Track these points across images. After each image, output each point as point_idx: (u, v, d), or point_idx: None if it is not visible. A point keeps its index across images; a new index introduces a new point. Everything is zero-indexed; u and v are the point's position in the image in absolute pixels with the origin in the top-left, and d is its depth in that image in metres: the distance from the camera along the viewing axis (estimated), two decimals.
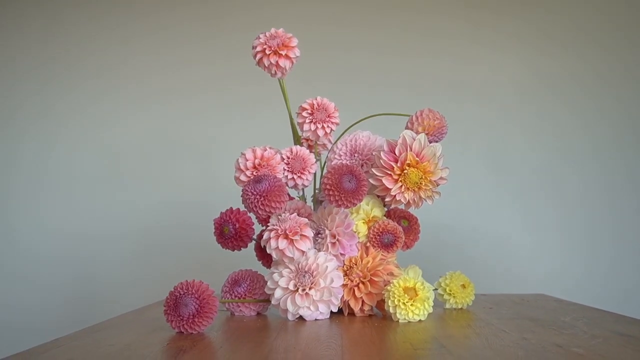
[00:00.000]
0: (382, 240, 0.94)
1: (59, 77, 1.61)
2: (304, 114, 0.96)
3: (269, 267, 0.97)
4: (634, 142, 1.56)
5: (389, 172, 0.90)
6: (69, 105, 1.61)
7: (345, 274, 0.92)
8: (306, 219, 0.88)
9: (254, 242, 0.98)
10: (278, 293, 0.88)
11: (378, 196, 0.96)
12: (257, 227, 0.97)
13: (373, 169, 0.92)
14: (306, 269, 0.88)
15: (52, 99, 1.61)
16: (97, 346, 0.71)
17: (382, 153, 0.91)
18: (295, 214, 0.89)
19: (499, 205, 1.55)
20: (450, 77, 1.57)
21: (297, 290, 0.88)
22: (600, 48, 1.58)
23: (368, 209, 0.96)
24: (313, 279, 0.88)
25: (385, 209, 0.99)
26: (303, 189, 1.01)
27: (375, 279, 0.91)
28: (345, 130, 1.02)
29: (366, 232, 0.95)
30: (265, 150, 0.94)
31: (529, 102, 1.58)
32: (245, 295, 0.94)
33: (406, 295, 0.87)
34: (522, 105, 1.58)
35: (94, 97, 1.61)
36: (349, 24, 1.60)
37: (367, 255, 0.93)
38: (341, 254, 0.92)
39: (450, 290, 1.00)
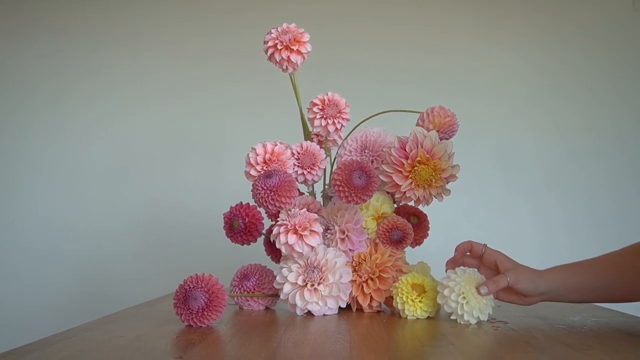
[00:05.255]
0: (392, 237, 0.94)
1: (64, 72, 1.61)
2: (315, 109, 0.96)
3: (278, 261, 0.97)
4: (639, 141, 1.56)
5: (400, 169, 0.90)
6: (74, 100, 1.61)
7: (354, 270, 0.92)
8: (316, 215, 0.88)
9: (263, 236, 0.98)
10: (287, 288, 0.89)
11: (388, 192, 0.96)
12: (267, 222, 0.97)
13: (383, 166, 0.91)
14: (315, 265, 0.88)
15: (56, 94, 1.61)
16: (108, 337, 0.71)
17: (392, 149, 0.90)
18: (305, 209, 0.89)
19: (509, 202, 1.55)
20: (461, 75, 1.57)
21: (305, 285, 0.88)
22: (607, 49, 1.58)
23: (377, 205, 0.96)
24: (322, 274, 0.88)
25: (395, 206, 0.99)
26: (313, 185, 1.01)
27: (384, 275, 0.91)
28: (356, 126, 1.02)
29: (375, 229, 0.95)
30: (276, 145, 0.94)
31: (538, 101, 1.58)
32: (254, 289, 0.94)
33: (414, 291, 0.87)
34: (531, 104, 1.58)
35: (99, 92, 1.61)
36: (360, 21, 1.60)
37: (376, 252, 0.93)
38: (350, 249, 0.92)
39: None
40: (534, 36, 1.59)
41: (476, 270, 0.86)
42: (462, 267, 0.86)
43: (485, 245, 0.88)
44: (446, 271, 0.88)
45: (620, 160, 1.55)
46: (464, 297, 0.82)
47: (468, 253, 0.90)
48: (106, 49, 1.61)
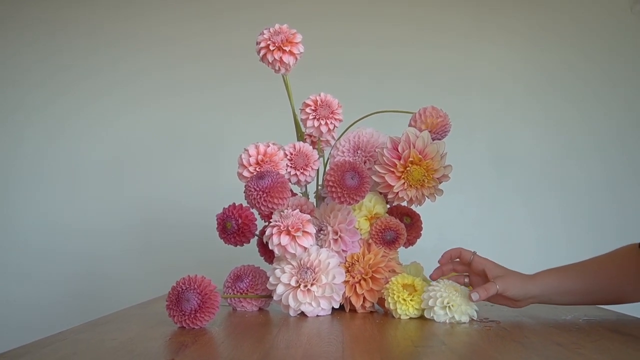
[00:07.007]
0: (384, 237, 0.94)
1: (64, 71, 1.61)
2: (308, 110, 0.96)
3: (271, 262, 0.98)
4: (636, 136, 1.55)
5: (392, 169, 0.90)
6: (74, 100, 1.61)
7: (347, 271, 0.92)
8: (308, 216, 0.89)
9: (256, 237, 0.99)
10: (280, 289, 0.89)
11: (380, 193, 0.96)
12: (260, 223, 0.98)
13: (376, 166, 0.92)
14: (308, 265, 0.88)
15: (56, 94, 1.61)
16: (100, 340, 0.72)
17: (385, 150, 0.91)
18: (298, 210, 0.89)
19: (504, 200, 1.55)
20: (455, 72, 1.57)
21: (299, 286, 0.88)
22: (603, 45, 1.57)
23: (370, 206, 0.96)
24: (315, 275, 0.88)
25: (388, 206, 0.99)
26: (306, 186, 1.01)
27: (377, 275, 0.91)
28: (349, 127, 1.02)
29: (368, 229, 0.95)
30: (269, 146, 0.95)
31: (532, 98, 1.57)
32: (247, 290, 0.95)
33: (405, 291, 0.87)
34: (526, 100, 1.57)
35: (99, 92, 1.61)
36: (352, 20, 1.59)
37: (369, 252, 0.93)
38: (343, 250, 0.93)
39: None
40: (527, 32, 1.58)
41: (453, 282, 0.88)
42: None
43: (474, 252, 0.89)
44: (430, 277, 0.89)
45: (617, 155, 1.54)
46: (449, 302, 0.83)
47: (457, 259, 0.90)
48: (106, 49, 1.61)
